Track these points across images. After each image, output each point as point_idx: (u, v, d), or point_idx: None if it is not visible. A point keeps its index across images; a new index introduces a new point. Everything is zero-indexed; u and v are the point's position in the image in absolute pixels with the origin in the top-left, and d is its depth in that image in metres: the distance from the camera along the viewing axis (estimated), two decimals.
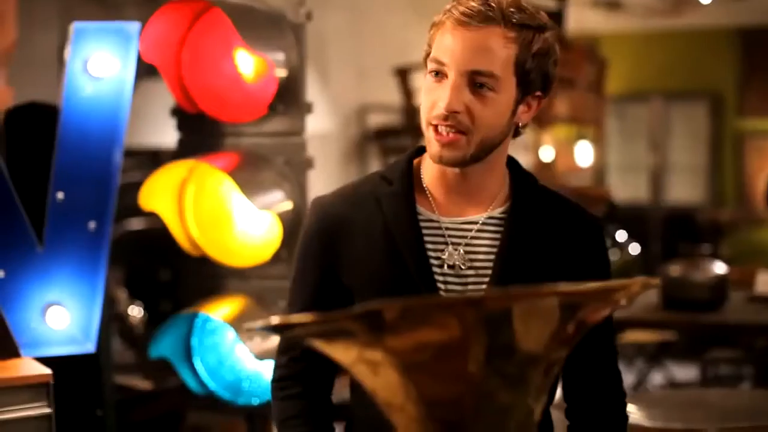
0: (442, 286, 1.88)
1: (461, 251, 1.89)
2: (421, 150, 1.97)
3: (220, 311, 3.33)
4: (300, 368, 1.97)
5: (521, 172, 1.99)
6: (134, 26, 3.17)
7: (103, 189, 3.12)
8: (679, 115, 10.62)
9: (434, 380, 1.17)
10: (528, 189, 1.96)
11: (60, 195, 3.07)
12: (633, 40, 10.55)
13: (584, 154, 9.37)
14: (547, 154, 8.63)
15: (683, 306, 5.04)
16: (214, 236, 3.37)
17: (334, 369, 1.97)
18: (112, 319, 4.54)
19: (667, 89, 10.54)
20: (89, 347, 3.12)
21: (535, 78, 1.86)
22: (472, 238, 1.90)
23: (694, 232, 9.41)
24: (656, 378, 7.08)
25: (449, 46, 1.81)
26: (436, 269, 1.88)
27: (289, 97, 3.39)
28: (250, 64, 3.32)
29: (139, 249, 4.77)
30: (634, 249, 7.65)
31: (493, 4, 1.80)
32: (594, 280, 1.91)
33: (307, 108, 3.44)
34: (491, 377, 1.17)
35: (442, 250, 1.89)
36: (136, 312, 4.70)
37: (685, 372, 7.22)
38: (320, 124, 6.43)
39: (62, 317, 3.08)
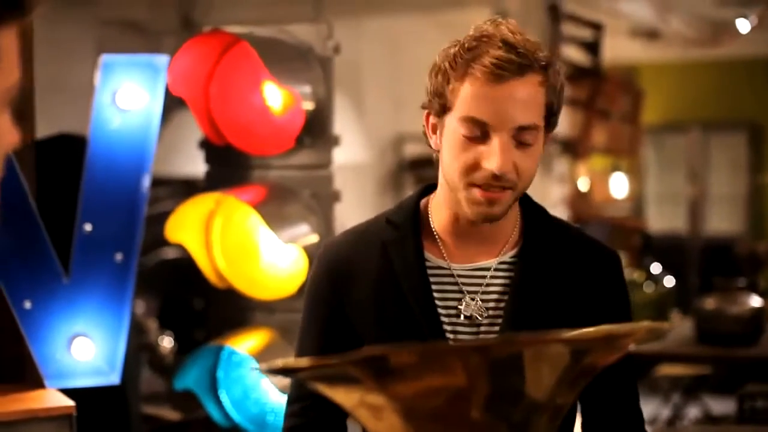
0: (451, 335, 1.80)
1: (478, 301, 1.81)
2: (428, 189, 1.89)
3: (245, 344, 3.33)
4: (312, 417, 1.89)
5: (532, 207, 1.90)
6: (162, 59, 3.20)
7: (130, 221, 3.13)
8: (717, 146, 10.55)
9: (437, 425, 1.16)
10: (540, 226, 1.88)
11: (87, 227, 3.09)
12: (671, 70, 10.50)
13: (619, 185, 9.31)
14: (583, 184, 8.59)
15: (718, 340, 4.97)
16: (241, 269, 3.37)
17: (345, 415, 1.93)
18: (142, 349, 4.56)
19: (705, 119, 10.47)
20: (114, 379, 3.13)
21: (557, 116, 1.78)
22: (487, 285, 1.83)
23: (732, 263, 9.29)
24: (692, 412, 6.99)
25: (490, 105, 1.68)
26: (452, 319, 1.81)
27: (316, 130, 3.40)
28: (277, 97, 3.33)
29: (173, 278, 4.80)
30: (669, 281, 7.56)
31: (521, 51, 1.69)
32: (613, 314, 1.85)
33: (335, 141, 3.45)
34: (495, 423, 1.16)
35: (459, 300, 1.81)
36: (166, 342, 4.71)
37: (722, 406, 7.11)
38: (355, 154, 6.43)
39: (87, 349, 3.09)
